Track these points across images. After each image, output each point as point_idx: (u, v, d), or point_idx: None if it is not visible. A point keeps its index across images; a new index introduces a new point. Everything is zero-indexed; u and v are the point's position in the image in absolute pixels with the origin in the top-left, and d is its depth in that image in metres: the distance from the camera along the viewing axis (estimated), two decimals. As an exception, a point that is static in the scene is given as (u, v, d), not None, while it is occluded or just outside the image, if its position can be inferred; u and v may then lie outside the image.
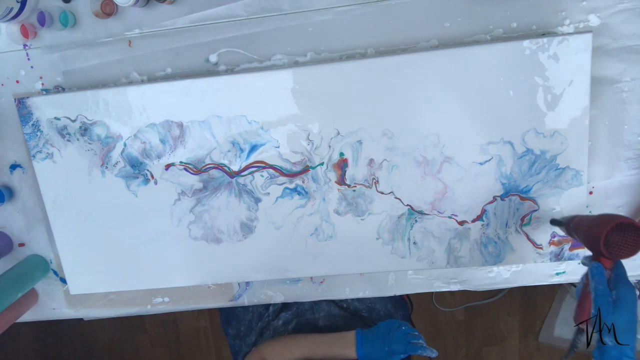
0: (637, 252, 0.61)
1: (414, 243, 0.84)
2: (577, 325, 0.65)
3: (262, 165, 0.83)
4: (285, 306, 0.98)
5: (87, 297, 0.97)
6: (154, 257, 0.89)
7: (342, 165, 0.81)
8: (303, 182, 0.83)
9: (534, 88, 0.74)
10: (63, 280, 0.96)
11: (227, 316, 1.04)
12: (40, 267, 0.94)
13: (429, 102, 0.77)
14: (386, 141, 0.79)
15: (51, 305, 0.99)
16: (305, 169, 0.82)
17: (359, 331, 0.81)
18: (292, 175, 0.82)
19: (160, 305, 0.96)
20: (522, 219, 0.81)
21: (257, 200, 0.85)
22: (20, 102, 0.84)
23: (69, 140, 0.85)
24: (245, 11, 0.79)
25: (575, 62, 0.73)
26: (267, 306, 0.99)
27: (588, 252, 0.68)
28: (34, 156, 0.86)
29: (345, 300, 0.98)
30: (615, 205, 0.82)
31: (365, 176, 0.82)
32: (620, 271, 0.62)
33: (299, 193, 0.83)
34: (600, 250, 0.61)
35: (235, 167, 0.83)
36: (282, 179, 0.83)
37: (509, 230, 0.81)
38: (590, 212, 0.82)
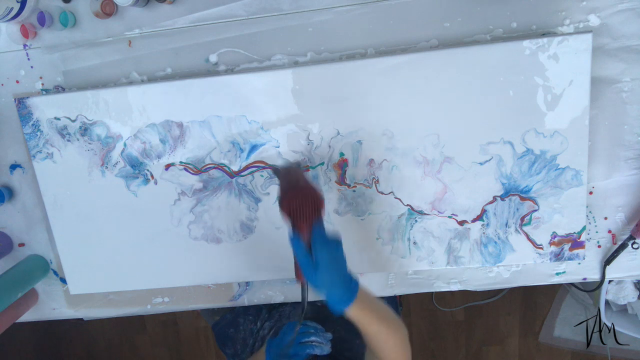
0: (318, 213, 0.63)
1: (414, 243, 0.84)
2: (298, 281, 0.67)
3: (262, 165, 0.83)
4: (269, 315, 0.99)
5: (87, 297, 0.97)
6: (154, 257, 0.89)
7: (342, 165, 0.81)
8: (303, 182, 0.83)
9: (534, 88, 0.74)
10: (63, 280, 0.96)
11: (222, 339, 1.04)
12: (40, 267, 0.94)
13: (429, 102, 0.77)
14: (386, 141, 0.79)
15: (51, 305, 0.99)
16: (305, 170, 0.82)
17: (268, 341, 0.78)
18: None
19: (160, 305, 0.96)
20: (522, 219, 0.81)
21: (257, 200, 0.85)
22: (20, 102, 0.84)
23: (69, 140, 0.85)
24: (245, 11, 0.79)
25: (575, 62, 0.73)
26: (255, 321, 0.99)
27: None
28: (34, 156, 0.86)
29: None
30: (615, 205, 0.82)
31: (365, 176, 0.82)
32: (316, 234, 0.63)
33: (299, 193, 0.83)
34: (285, 217, 0.63)
35: (235, 167, 0.83)
36: (282, 179, 0.83)
37: (509, 230, 0.81)
38: (590, 212, 0.82)
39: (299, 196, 0.63)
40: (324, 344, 0.73)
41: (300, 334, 0.74)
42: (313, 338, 0.73)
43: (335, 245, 0.64)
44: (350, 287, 0.64)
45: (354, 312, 0.64)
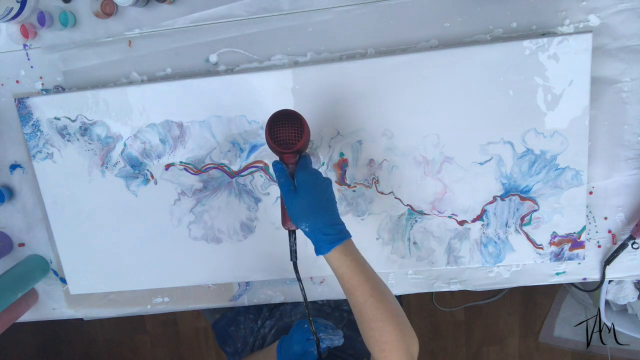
0: (303, 136, 0.63)
1: (414, 243, 0.84)
2: (285, 228, 0.66)
3: (262, 165, 0.83)
4: (270, 314, 0.99)
5: (87, 297, 0.97)
6: (154, 257, 0.89)
7: (342, 165, 0.81)
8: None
9: (534, 88, 0.74)
10: (63, 280, 0.96)
11: (222, 337, 1.04)
12: (40, 267, 0.94)
13: (429, 102, 0.77)
14: (386, 141, 0.79)
15: (51, 305, 0.99)
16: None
17: (281, 339, 0.78)
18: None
19: (160, 305, 0.96)
20: (522, 219, 0.81)
21: (257, 200, 0.85)
22: (20, 102, 0.84)
23: (69, 140, 0.85)
24: (245, 11, 0.79)
25: (575, 62, 0.73)
26: (256, 319, 0.99)
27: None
28: (34, 156, 0.86)
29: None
30: (615, 205, 0.82)
31: (365, 176, 0.82)
32: (302, 162, 0.64)
33: (299, 193, 0.83)
34: (271, 144, 0.63)
35: (235, 167, 0.83)
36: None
37: (509, 230, 0.81)
38: (590, 212, 0.82)
39: (283, 122, 0.62)
40: (334, 338, 0.72)
41: (308, 331, 0.73)
42: (321, 334, 0.72)
43: (322, 180, 0.62)
44: (339, 230, 0.60)
45: (337, 258, 0.58)
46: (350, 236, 0.62)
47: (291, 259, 0.67)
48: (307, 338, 0.73)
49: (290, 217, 0.64)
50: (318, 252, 0.60)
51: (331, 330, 0.74)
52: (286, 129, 0.62)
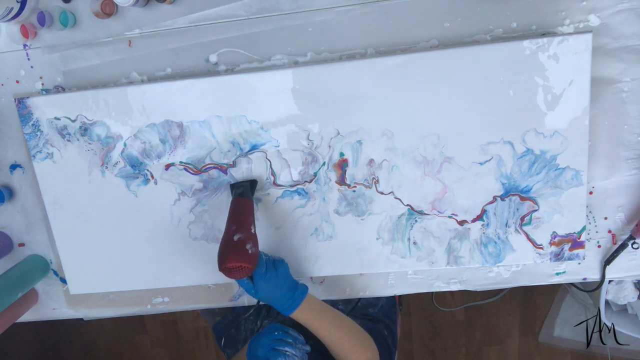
0: (250, 268, 0.72)
1: (414, 243, 0.84)
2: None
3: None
4: (268, 313, 0.99)
5: (87, 297, 0.97)
6: (154, 257, 0.89)
7: (342, 165, 0.81)
8: (303, 182, 0.83)
9: (534, 88, 0.74)
10: (63, 280, 0.96)
11: (223, 339, 1.04)
12: (40, 267, 0.94)
13: (429, 102, 0.77)
14: (386, 141, 0.79)
15: (51, 305, 0.99)
16: (312, 178, 0.82)
17: (252, 338, 0.77)
18: (295, 185, 0.83)
19: (160, 305, 0.96)
20: (522, 219, 0.81)
21: (257, 200, 0.85)
22: (20, 102, 0.84)
23: (69, 140, 0.85)
24: (245, 11, 0.79)
25: (575, 62, 0.73)
26: (256, 321, 0.99)
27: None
28: (34, 156, 0.86)
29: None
30: (615, 205, 0.82)
31: (365, 176, 0.81)
32: (257, 272, 0.75)
33: (299, 193, 0.83)
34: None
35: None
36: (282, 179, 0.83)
37: (509, 230, 0.81)
38: (590, 212, 0.82)
39: (231, 266, 0.70)
40: (297, 356, 0.71)
41: (276, 341, 0.72)
42: (287, 348, 0.71)
43: (275, 272, 0.76)
44: (295, 296, 0.77)
45: (301, 316, 0.77)
46: (306, 291, 0.78)
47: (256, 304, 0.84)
48: (272, 347, 0.71)
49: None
50: (283, 314, 0.77)
51: (300, 346, 0.73)
52: (236, 273, 0.71)
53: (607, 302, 1.34)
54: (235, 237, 0.73)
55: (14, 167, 0.91)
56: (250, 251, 0.72)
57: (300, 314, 0.77)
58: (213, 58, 0.82)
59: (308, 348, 0.74)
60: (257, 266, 0.75)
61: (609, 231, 0.83)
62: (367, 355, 0.79)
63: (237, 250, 0.71)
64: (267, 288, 0.75)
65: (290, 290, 0.77)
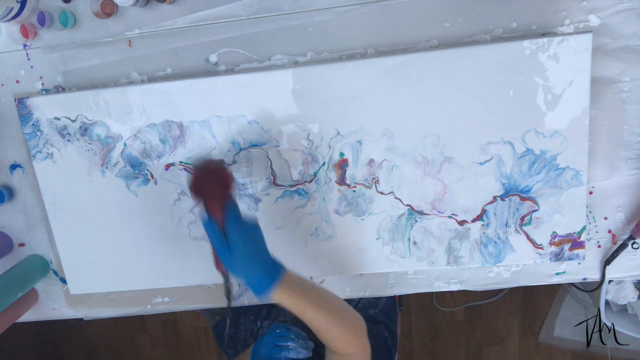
0: (228, 193, 0.63)
1: (414, 243, 0.84)
2: (219, 271, 0.69)
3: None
4: (269, 314, 0.99)
5: (87, 297, 0.97)
6: (154, 257, 0.89)
7: (342, 165, 0.81)
8: (303, 183, 0.83)
9: (534, 88, 0.74)
10: (63, 280, 0.96)
11: (223, 339, 1.04)
12: (40, 267, 0.94)
13: (429, 102, 0.77)
14: (386, 141, 0.79)
15: (51, 305, 0.99)
16: (312, 178, 0.82)
17: (256, 340, 0.78)
18: (295, 185, 0.83)
19: (160, 305, 0.96)
20: (522, 219, 0.81)
21: (257, 200, 0.85)
22: (20, 102, 0.84)
23: (69, 140, 0.85)
24: (245, 11, 0.79)
25: (575, 62, 0.73)
26: (256, 321, 0.99)
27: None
28: (34, 156, 0.86)
29: None
30: (615, 205, 0.82)
31: (365, 176, 0.82)
32: (229, 216, 0.64)
33: (299, 193, 0.83)
34: (195, 196, 0.64)
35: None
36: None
37: (509, 230, 0.81)
38: (590, 212, 0.82)
39: (206, 175, 0.63)
40: (301, 348, 0.71)
41: (279, 337, 0.72)
42: (290, 343, 0.72)
43: (251, 228, 0.65)
44: (272, 270, 0.64)
45: (281, 298, 0.63)
46: (283, 267, 0.66)
47: (228, 301, 0.70)
48: (275, 344, 0.72)
49: (225, 268, 0.67)
50: (257, 295, 0.64)
51: (302, 342, 0.73)
52: (207, 181, 0.63)
53: (607, 302, 1.34)
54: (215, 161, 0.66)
55: (14, 167, 0.91)
56: (230, 177, 0.65)
57: (281, 293, 0.64)
58: (213, 58, 0.82)
59: (311, 343, 0.74)
60: (232, 209, 0.65)
61: (609, 231, 0.83)
62: (360, 346, 0.71)
63: (215, 171, 0.64)
64: (241, 244, 0.63)
65: (266, 257, 0.66)
